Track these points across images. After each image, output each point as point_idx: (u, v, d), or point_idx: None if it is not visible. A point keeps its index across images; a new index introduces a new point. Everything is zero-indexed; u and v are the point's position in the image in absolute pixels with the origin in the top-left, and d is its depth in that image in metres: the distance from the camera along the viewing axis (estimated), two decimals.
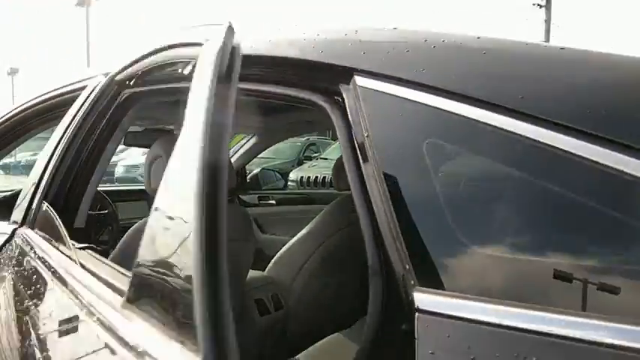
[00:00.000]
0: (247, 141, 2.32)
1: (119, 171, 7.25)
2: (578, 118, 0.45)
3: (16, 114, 1.42)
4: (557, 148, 0.44)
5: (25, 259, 0.98)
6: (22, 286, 0.93)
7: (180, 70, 0.74)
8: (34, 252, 0.96)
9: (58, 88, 1.30)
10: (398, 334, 0.46)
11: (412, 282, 0.46)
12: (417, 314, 0.44)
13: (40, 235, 1.00)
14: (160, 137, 1.31)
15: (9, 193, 1.98)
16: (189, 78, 0.77)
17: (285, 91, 0.70)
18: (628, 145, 0.41)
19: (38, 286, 0.86)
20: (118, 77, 1.07)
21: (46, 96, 1.33)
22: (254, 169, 2.88)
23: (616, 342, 0.36)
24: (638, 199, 0.42)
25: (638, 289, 0.42)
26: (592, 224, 0.44)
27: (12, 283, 0.97)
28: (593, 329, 0.37)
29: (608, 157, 0.41)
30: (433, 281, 0.46)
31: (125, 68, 1.04)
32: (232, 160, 2.36)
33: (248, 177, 2.64)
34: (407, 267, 0.46)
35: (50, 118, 1.38)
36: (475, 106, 0.49)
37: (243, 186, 2.46)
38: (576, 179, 0.44)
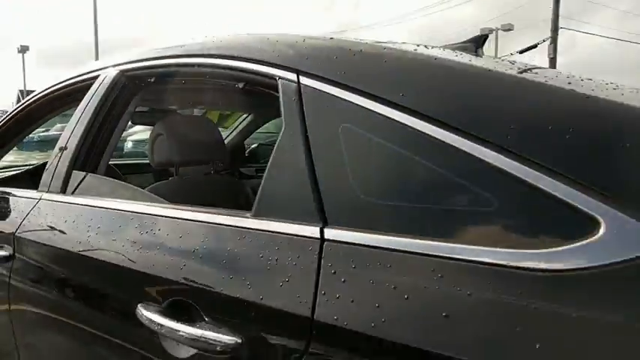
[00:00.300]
0: (244, 119, 2.55)
1: (128, 146, 7.55)
2: (442, 110, 0.67)
3: (42, 96, 1.66)
4: (426, 134, 0.65)
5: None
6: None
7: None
8: None
9: (75, 77, 1.52)
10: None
11: (323, 220, 0.69)
12: (325, 243, 0.67)
13: None
14: (162, 118, 1.54)
15: (32, 166, 2.23)
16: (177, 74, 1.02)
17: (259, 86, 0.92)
18: (478, 135, 0.61)
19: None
20: (127, 69, 1.29)
21: (65, 82, 1.56)
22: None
23: (464, 257, 0.56)
24: (479, 174, 0.62)
25: (473, 222, 0.63)
26: (448, 188, 0.65)
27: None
28: (433, 249, 0.59)
29: (457, 141, 0.62)
30: (340, 221, 0.69)
31: (131, 62, 1.27)
32: (231, 136, 2.60)
33: (247, 152, 2.88)
34: (319, 208, 0.69)
35: (70, 100, 1.61)
36: (374, 100, 0.71)
37: (242, 160, 2.70)
38: (441, 159, 0.65)
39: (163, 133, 1.44)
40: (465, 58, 0.86)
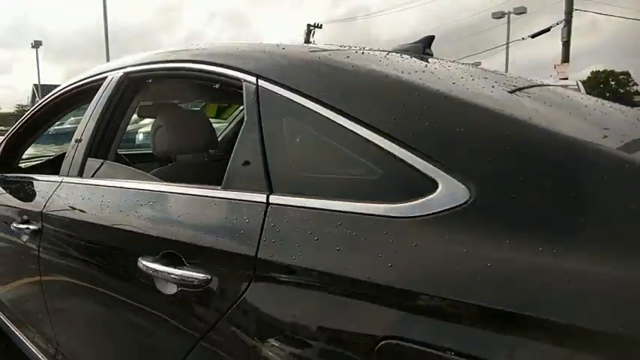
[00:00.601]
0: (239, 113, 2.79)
1: (139, 138, 7.92)
2: (346, 106, 0.90)
3: (59, 95, 1.93)
4: (334, 122, 0.89)
5: None
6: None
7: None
8: None
9: (87, 78, 1.78)
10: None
11: (270, 190, 0.94)
12: (269, 206, 0.91)
13: None
14: (160, 111, 1.79)
15: (52, 156, 2.51)
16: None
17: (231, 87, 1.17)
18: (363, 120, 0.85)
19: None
20: (129, 71, 1.55)
21: (79, 83, 1.82)
22: None
23: (355, 210, 0.80)
24: (368, 154, 0.85)
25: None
26: (349, 164, 0.89)
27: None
28: (335, 206, 0.83)
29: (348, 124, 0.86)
30: (282, 190, 0.93)
31: (133, 66, 1.53)
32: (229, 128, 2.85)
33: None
34: (267, 181, 0.94)
35: (82, 98, 1.87)
36: (306, 98, 0.95)
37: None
38: (347, 144, 0.88)
39: (162, 126, 1.70)
40: (380, 62, 1.10)
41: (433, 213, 0.72)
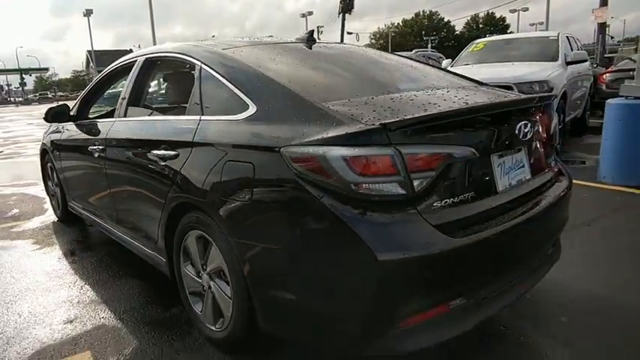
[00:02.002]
0: None
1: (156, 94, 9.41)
2: (227, 74, 2.07)
3: (109, 71, 3.23)
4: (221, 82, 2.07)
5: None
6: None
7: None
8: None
9: (125, 61, 3.04)
10: None
11: (202, 113, 2.14)
12: (201, 121, 2.11)
13: None
14: (167, 78, 3.03)
15: (109, 110, 3.81)
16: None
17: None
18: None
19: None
20: (149, 57, 2.77)
21: (121, 63, 3.09)
22: None
23: (222, 118, 2.00)
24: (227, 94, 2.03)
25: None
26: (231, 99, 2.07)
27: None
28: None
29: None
30: (207, 113, 2.13)
31: (151, 53, 2.75)
32: None
33: None
34: (200, 109, 2.15)
35: (123, 72, 3.12)
36: (217, 73, 2.12)
37: None
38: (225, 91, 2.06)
39: (168, 86, 2.93)
40: (258, 52, 2.25)
41: (247, 117, 1.87)
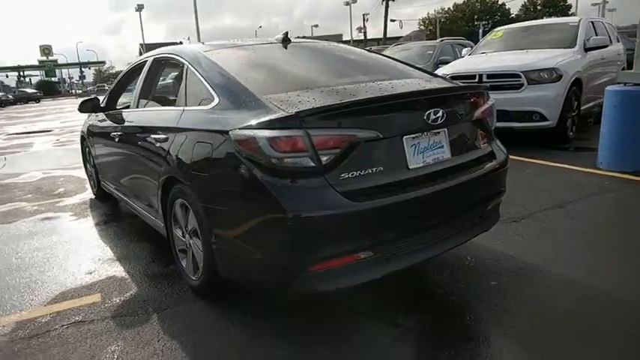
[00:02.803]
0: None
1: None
2: (207, 73, 2.54)
3: (130, 68, 3.80)
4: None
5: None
6: None
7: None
8: None
9: (139, 61, 3.58)
10: None
11: (185, 105, 2.63)
12: (184, 111, 2.59)
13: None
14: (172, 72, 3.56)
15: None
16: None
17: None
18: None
19: None
20: (156, 58, 3.30)
21: (137, 62, 3.64)
22: None
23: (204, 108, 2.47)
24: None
25: None
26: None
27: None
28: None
29: None
30: (189, 104, 2.62)
31: (158, 54, 3.28)
32: None
33: None
34: (184, 101, 2.64)
35: (139, 70, 3.67)
36: (197, 71, 2.59)
37: None
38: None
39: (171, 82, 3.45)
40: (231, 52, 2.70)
41: (212, 107, 2.33)
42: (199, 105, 2.46)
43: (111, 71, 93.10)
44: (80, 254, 3.37)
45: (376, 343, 2.07)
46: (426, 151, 2.18)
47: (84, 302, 2.61)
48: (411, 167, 2.11)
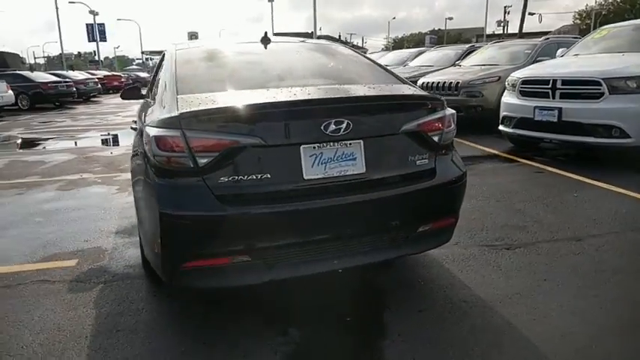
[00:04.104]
0: None
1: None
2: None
3: (159, 62, 4.17)
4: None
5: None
6: None
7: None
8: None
9: (163, 54, 3.93)
10: None
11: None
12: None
13: None
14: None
15: None
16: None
17: None
18: None
19: None
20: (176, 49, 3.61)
21: (161, 56, 4.00)
22: None
23: None
24: None
25: None
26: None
27: None
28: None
29: None
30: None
31: (180, 49, 3.59)
32: None
33: None
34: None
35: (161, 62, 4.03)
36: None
37: None
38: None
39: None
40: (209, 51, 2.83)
41: (157, 101, 2.51)
42: (156, 98, 2.67)
43: None
44: (90, 225, 3.85)
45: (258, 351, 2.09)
46: (330, 162, 2.09)
47: (61, 265, 3.03)
48: (306, 177, 2.05)
